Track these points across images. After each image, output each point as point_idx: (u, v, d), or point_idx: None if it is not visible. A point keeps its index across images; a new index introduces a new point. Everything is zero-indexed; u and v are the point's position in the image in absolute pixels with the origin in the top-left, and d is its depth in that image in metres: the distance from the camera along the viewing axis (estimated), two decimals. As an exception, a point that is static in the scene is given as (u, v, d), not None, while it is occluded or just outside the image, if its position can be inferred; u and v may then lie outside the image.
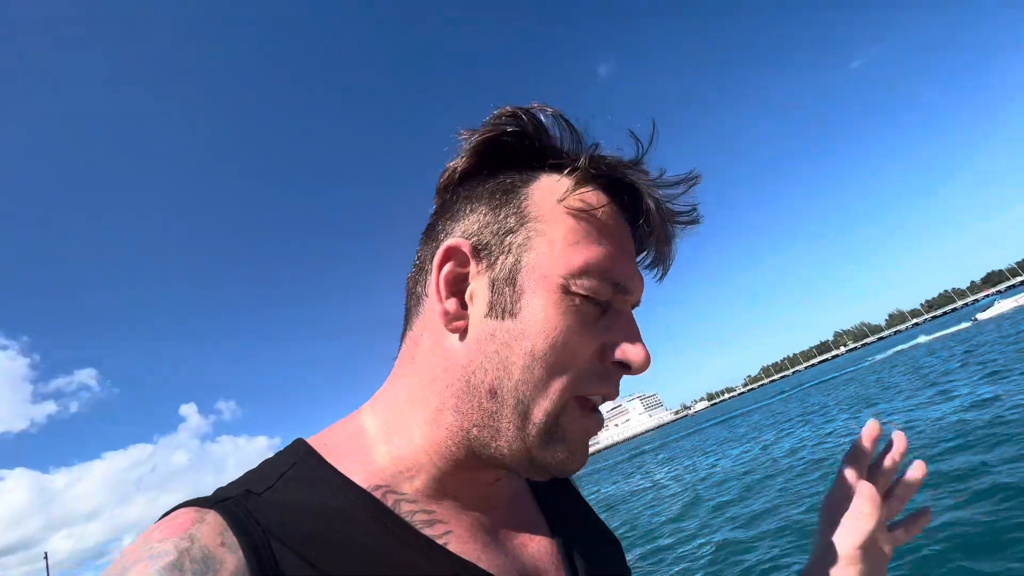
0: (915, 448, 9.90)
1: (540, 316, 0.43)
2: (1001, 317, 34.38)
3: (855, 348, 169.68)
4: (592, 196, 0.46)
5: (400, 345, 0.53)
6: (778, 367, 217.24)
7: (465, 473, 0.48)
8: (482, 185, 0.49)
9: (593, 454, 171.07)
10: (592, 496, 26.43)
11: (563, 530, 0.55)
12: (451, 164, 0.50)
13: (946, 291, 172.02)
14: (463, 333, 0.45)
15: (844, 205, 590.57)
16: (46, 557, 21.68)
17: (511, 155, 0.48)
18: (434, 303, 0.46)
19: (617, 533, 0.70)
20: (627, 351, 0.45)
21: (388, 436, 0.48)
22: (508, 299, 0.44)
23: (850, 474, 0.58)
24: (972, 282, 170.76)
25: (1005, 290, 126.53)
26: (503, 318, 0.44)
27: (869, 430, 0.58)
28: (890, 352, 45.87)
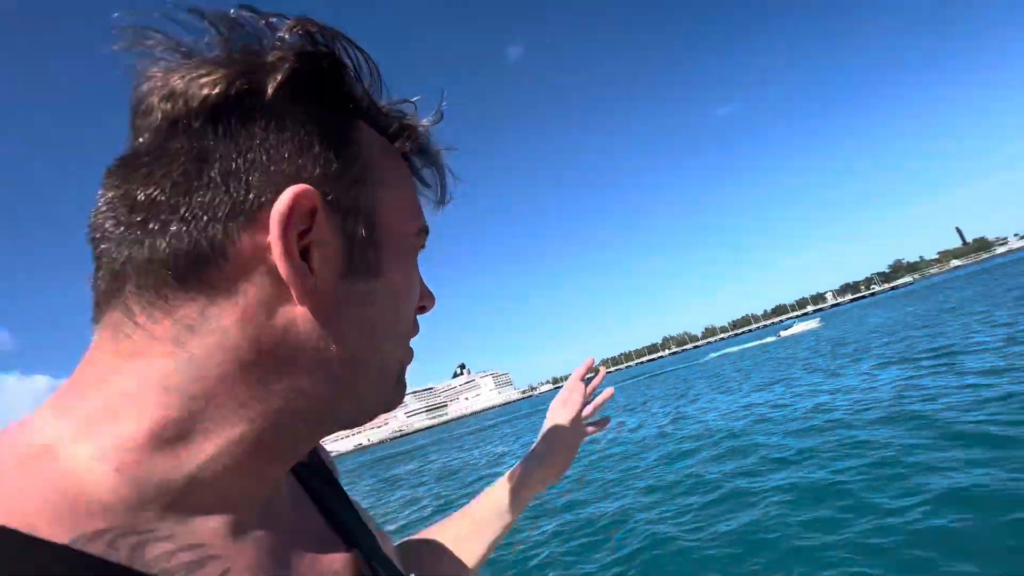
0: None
1: (401, 274, 0.42)
2: (798, 335, 45.73)
3: (677, 352, 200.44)
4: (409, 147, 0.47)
5: (109, 321, 0.33)
6: (615, 360, 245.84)
7: (249, 476, 0.35)
8: (296, 120, 0.36)
9: (441, 424, 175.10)
10: (435, 464, 27.15)
11: (352, 538, 0.47)
12: (247, 73, 0.34)
13: (747, 315, 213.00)
14: (312, 299, 0.35)
15: (687, 230, 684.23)
16: None
17: (324, 88, 0.39)
18: (263, 266, 0.33)
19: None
20: (427, 297, 0.49)
21: (115, 449, 0.30)
22: (371, 258, 0.39)
23: (572, 383, 0.97)
24: (764, 311, 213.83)
25: (793, 317, 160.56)
26: (366, 280, 0.39)
27: (588, 362, 0.97)
28: (715, 355, 56.33)
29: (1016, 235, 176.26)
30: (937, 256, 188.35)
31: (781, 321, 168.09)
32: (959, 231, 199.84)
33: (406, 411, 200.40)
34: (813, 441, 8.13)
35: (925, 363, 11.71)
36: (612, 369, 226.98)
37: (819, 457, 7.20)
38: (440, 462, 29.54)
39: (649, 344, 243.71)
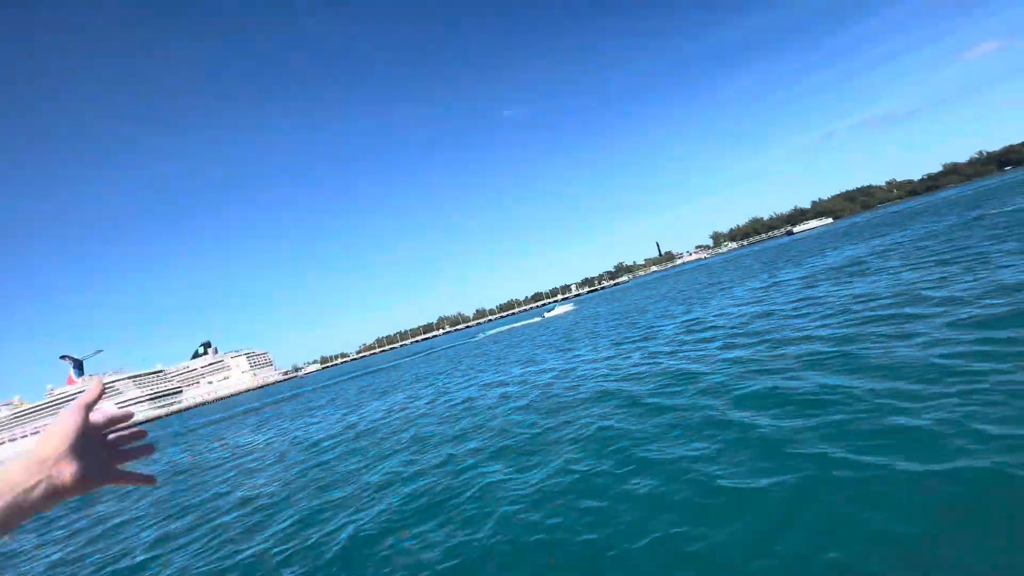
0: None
1: None
2: (559, 315, 54.61)
3: (450, 331, 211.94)
4: None
5: None
6: (390, 339, 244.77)
7: None
8: None
9: (173, 413, 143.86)
10: (163, 464, 22.36)
11: None
12: None
13: (512, 299, 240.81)
14: None
15: (456, 222, 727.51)
16: None
17: None
18: None
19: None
20: None
21: None
22: None
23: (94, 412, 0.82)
24: (526, 296, 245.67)
25: (552, 301, 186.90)
26: None
27: (95, 390, 0.83)
28: (483, 335, 62.10)
29: (687, 251, 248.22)
30: (644, 262, 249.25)
31: (542, 305, 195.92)
32: (657, 245, 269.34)
33: (118, 402, 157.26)
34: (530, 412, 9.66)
35: (628, 346, 15.50)
36: (388, 348, 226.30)
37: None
38: (161, 462, 24.24)
39: (425, 323, 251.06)
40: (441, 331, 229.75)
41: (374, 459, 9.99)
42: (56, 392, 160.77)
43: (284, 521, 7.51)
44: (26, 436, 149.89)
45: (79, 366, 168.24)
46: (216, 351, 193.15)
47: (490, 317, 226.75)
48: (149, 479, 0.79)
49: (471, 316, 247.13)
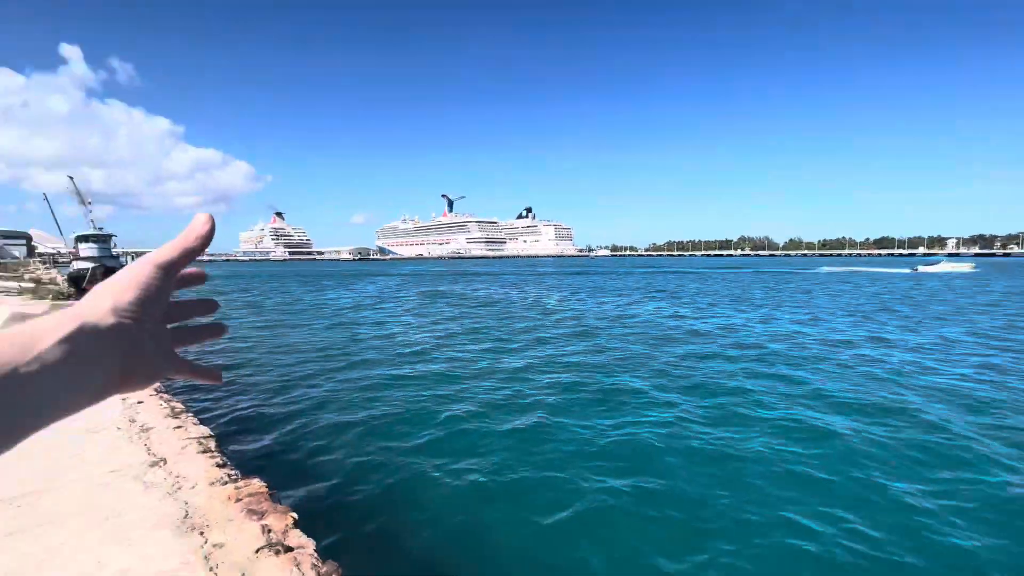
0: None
1: None
2: (942, 275, 39.68)
3: (748, 255, 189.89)
4: None
5: None
6: (680, 245, 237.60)
7: None
8: None
9: (495, 257, 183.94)
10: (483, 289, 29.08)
11: None
12: None
13: (842, 237, 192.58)
14: None
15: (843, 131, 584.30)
16: None
17: None
18: None
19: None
20: None
21: None
22: None
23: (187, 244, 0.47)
24: (867, 239, 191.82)
25: (934, 254, 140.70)
26: None
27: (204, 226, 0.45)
28: (827, 269, 54.23)
29: None
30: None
31: (889, 255, 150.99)
32: None
33: (467, 236, 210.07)
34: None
35: None
36: (676, 253, 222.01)
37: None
38: (483, 292, 31.69)
39: (722, 239, 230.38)
40: (738, 252, 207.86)
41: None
42: (435, 219, 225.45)
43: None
44: (423, 244, 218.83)
45: (450, 204, 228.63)
46: (534, 216, 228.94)
47: (806, 252, 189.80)
48: (215, 375, 0.50)
49: (780, 245, 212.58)
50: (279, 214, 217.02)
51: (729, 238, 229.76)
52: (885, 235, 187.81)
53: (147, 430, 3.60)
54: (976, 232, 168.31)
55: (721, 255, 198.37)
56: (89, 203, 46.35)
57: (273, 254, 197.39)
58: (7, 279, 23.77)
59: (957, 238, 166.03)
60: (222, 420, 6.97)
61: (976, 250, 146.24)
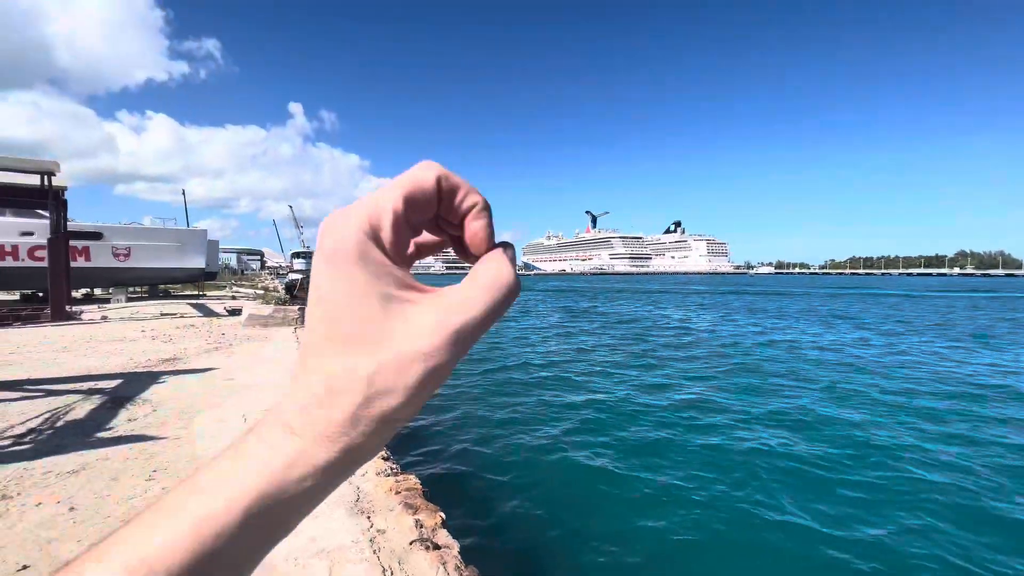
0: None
1: None
2: None
3: (972, 275, 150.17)
4: None
5: None
6: (868, 262, 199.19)
7: None
8: None
9: (640, 273, 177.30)
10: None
11: None
12: None
13: None
14: None
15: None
16: (184, 193, 26.36)
17: None
18: None
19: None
20: None
21: None
22: None
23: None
24: None
25: None
26: None
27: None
28: None
29: None
30: None
31: None
32: None
33: (610, 252, 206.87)
34: None
35: None
36: (862, 271, 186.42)
37: None
38: (622, 308, 30.77)
39: (931, 255, 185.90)
40: (955, 270, 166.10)
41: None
42: (578, 235, 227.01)
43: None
44: (566, 260, 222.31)
45: (594, 220, 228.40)
46: (683, 231, 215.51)
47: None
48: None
49: (1023, 260, 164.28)
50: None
51: (941, 253, 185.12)
52: None
53: (333, 419, 4.29)
54: None
55: (930, 274, 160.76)
56: (301, 227, 57.57)
57: (432, 268, 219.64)
58: (247, 287, 30.79)
59: None
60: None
61: None
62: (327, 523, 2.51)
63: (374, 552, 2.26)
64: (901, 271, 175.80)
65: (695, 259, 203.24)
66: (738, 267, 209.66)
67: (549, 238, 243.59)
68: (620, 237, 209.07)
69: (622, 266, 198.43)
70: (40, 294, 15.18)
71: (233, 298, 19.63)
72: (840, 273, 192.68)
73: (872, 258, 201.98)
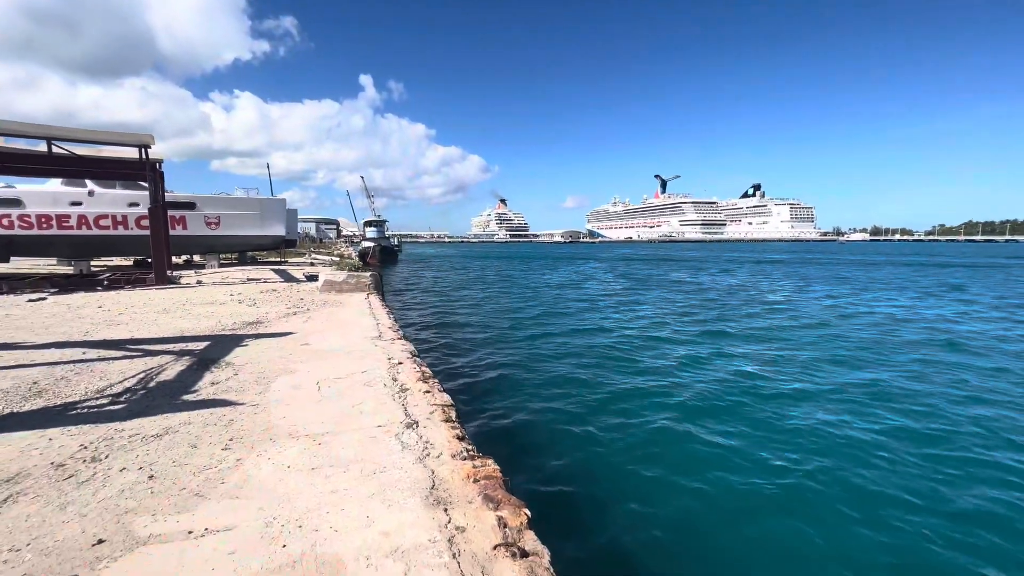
0: None
1: None
2: None
3: (974, 239, 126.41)
4: None
5: None
6: (988, 227, 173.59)
7: None
8: None
9: (714, 241, 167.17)
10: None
11: None
12: None
13: None
14: None
15: None
16: (268, 167, 27.84)
17: None
18: None
19: None
20: None
21: None
22: None
23: None
24: None
25: None
26: None
27: None
28: None
29: None
30: None
31: None
32: None
33: (681, 218, 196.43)
34: None
35: None
36: (979, 238, 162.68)
37: None
38: (682, 280, 28.96)
39: (965, 221, 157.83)
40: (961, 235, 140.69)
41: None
42: (646, 200, 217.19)
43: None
44: (633, 227, 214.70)
45: (663, 185, 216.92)
46: (763, 195, 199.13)
47: None
48: None
49: None
50: (503, 200, 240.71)
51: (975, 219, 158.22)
52: None
53: (405, 390, 4.08)
54: None
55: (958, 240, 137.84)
56: (372, 196, 59.49)
57: (496, 236, 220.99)
58: (324, 254, 32.41)
59: None
60: (456, 388, 7.78)
61: None
62: (400, 514, 2.25)
63: (454, 556, 1.95)
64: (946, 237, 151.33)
65: (776, 225, 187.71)
66: (825, 234, 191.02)
67: (615, 204, 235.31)
68: (692, 202, 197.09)
69: (693, 233, 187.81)
70: (148, 260, 16.74)
71: (311, 264, 20.63)
72: (952, 240, 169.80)
73: (994, 223, 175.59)
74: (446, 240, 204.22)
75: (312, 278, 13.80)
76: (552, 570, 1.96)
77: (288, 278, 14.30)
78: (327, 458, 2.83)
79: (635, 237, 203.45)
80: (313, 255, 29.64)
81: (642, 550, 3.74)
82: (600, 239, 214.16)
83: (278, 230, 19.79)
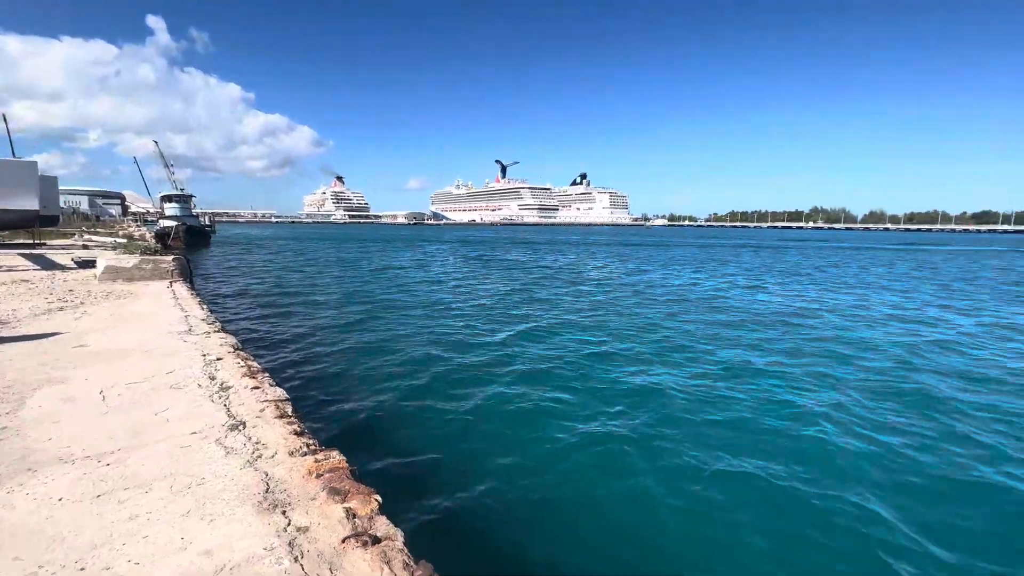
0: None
1: None
2: None
3: (821, 227, 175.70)
4: None
5: None
6: (744, 216, 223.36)
7: None
8: None
9: (548, 224, 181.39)
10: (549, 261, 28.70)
11: None
12: None
13: (932, 211, 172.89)
14: None
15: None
16: (4, 119, 20.84)
17: None
18: None
19: None
20: None
21: None
22: None
23: None
24: (963, 212, 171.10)
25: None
26: None
27: None
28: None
29: None
30: None
31: (982, 231, 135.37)
32: None
33: (520, 203, 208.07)
34: None
35: None
36: (739, 224, 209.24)
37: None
38: (545, 260, 31.21)
39: (791, 210, 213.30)
40: (810, 224, 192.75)
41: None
42: (488, 184, 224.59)
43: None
44: (476, 210, 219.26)
45: (503, 170, 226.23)
46: (589, 183, 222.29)
47: (888, 226, 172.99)
48: None
49: (858, 218, 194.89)
50: (339, 178, 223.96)
51: (800, 209, 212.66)
52: (987, 209, 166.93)
53: (226, 389, 3.54)
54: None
55: (791, 227, 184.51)
56: (171, 166, 49.39)
57: (333, 217, 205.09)
58: (104, 235, 25.97)
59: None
60: (295, 382, 7.08)
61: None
62: (227, 527, 1.95)
63: (296, 559, 1.78)
64: (768, 224, 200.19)
65: (599, 211, 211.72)
66: (636, 219, 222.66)
67: (459, 187, 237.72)
68: (529, 188, 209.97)
69: (531, 217, 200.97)
70: None
71: (85, 248, 16.33)
72: (722, 225, 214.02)
73: (747, 212, 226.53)
74: (273, 220, 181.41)
75: (86, 264, 10.96)
76: (407, 550, 1.92)
77: (48, 265, 11.13)
78: (120, 481, 2.31)
79: (478, 220, 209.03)
80: (87, 236, 23.54)
81: (497, 510, 3.95)
82: (445, 221, 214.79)
83: (28, 203, 15.12)
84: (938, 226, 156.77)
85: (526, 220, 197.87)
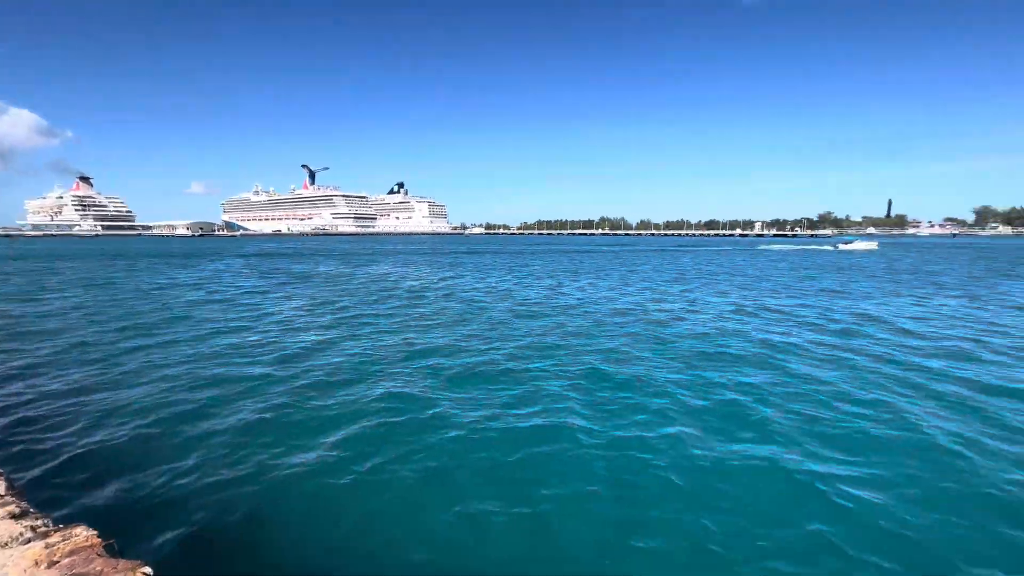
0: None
1: None
2: (858, 252, 50.17)
3: (607, 234, 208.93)
4: None
5: None
6: (550, 225, 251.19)
7: None
8: None
9: (366, 234, 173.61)
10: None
11: None
12: None
13: (680, 220, 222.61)
14: None
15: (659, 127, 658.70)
16: None
17: None
18: None
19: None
20: None
21: None
22: None
23: None
24: (699, 220, 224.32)
25: (849, 235, 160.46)
26: None
27: None
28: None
29: (928, 221, 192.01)
30: (860, 219, 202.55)
31: (710, 235, 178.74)
32: (889, 203, 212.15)
33: (333, 211, 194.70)
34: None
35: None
36: (545, 232, 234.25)
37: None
38: (364, 271, 29.64)
39: (585, 219, 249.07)
40: (599, 231, 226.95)
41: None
42: (295, 191, 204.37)
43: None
44: (282, 220, 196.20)
45: (312, 176, 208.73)
46: (407, 192, 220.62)
47: (654, 231, 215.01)
48: None
49: (633, 225, 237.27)
50: (85, 179, 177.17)
51: (591, 218, 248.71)
52: (713, 218, 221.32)
53: None
54: (773, 217, 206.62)
55: (585, 234, 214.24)
56: None
57: (78, 228, 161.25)
58: None
59: (761, 221, 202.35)
60: (12, 451, 5.38)
61: (774, 232, 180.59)
62: None
63: None
64: (568, 232, 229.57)
65: (418, 220, 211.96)
66: (455, 228, 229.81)
67: (258, 193, 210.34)
68: (343, 196, 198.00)
69: (347, 226, 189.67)
70: None
71: None
72: (531, 233, 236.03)
73: (551, 221, 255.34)
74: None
75: None
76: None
77: None
78: None
79: (285, 230, 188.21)
80: None
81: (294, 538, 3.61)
82: (242, 232, 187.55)
83: None
84: (684, 232, 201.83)
85: (341, 230, 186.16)
